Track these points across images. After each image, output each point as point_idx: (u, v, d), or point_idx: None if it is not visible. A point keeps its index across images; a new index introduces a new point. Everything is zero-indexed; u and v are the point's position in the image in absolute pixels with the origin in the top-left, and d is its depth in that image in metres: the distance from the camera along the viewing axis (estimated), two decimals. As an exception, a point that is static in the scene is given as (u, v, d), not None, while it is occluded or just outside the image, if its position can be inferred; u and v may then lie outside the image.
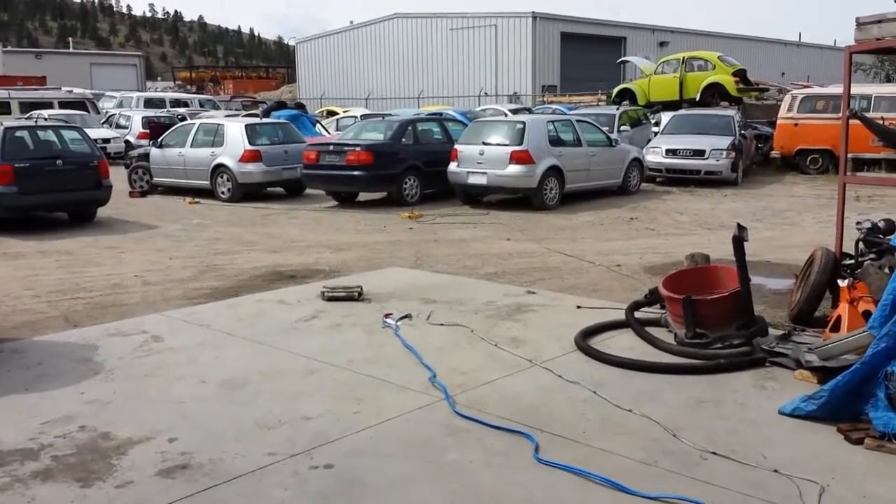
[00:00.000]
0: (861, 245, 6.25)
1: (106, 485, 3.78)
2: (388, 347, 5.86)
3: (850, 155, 6.85)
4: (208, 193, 15.80)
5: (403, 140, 14.97)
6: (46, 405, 4.77)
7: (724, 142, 17.20)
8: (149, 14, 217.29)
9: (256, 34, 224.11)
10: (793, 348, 5.39)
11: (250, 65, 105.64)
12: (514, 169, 13.65)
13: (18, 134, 12.38)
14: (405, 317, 6.57)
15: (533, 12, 39.93)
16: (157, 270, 8.95)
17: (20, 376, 5.30)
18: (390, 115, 19.95)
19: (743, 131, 18.31)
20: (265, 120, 18.48)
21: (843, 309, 5.51)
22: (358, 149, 14.39)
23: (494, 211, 13.78)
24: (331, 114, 29.34)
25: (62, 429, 4.41)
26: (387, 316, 6.57)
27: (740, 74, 22.99)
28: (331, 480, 3.82)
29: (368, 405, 4.73)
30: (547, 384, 5.07)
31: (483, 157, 13.92)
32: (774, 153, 19.83)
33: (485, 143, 14.14)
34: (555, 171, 13.98)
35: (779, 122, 19.62)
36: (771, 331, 5.80)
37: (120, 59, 66.71)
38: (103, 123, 25.97)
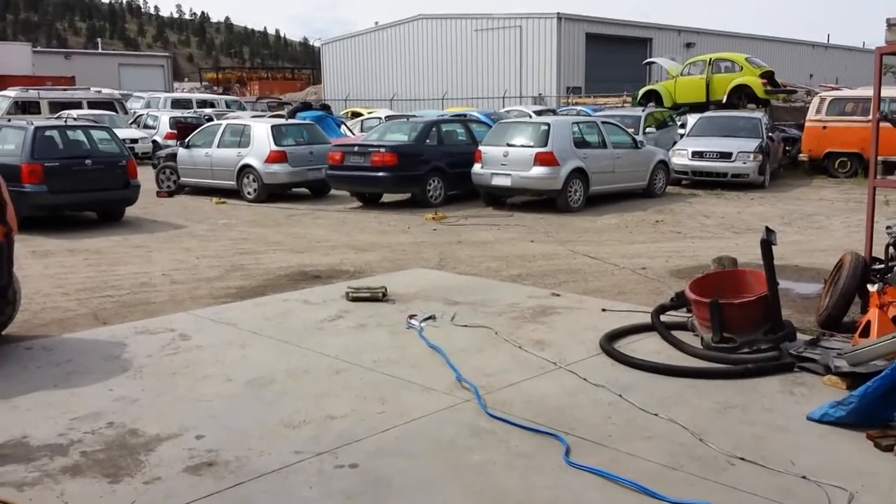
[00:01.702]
0: (891, 249, 6.18)
1: (134, 480, 3.82)
2: (412, 348, 5.87)
3: (880, 158, 6.77)
4: (234, 194, 15.92)
5: (427, 141, 15.00)
6: (76, 401, 4.83)
7: (752, 144, 17.04)
8: (176, 15, 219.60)
9: (282, 35, 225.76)
10: (821, 353, 5.33)
11: (276, 66, 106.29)
12: (538, 171, 13.62)
13: (48, 134, 12.54)
14: (429, 318, 6.58)
15: (558, 13, 39.81)
16: (184, 269, 9.03)
17: (50, 373, 5.37)
18: (414, 116, 19.99)
19: (770, 134, 18.13)
20: (291, 121, 18.60)
21: (873, 314, 5.44)
22: (382, 150, 14.43)
23: (518, 213, 13.76)
24: (355, 115, 29.46)
25: (91, 425, 4.47)
26: (411, 317, 6.58)
27: (768, 76, 22.76)
28: (356, 480, 3.83)
29: (393, 405, 4.74)
30: (572, 387, 5.05)
31: (507, 159, 13.90)
32: (802, 156, 19.63)
33: (509, 145, 14.13)
34: (579, 173, 13.93)
35: (807, 124, 19.40)
36: (799, 336, 5.74)
37: (148, 60, 67.38)
38: (131, 124, 26.26)
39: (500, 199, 14.70)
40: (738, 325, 5.62)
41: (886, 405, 4.27)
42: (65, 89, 29.34)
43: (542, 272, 8.81)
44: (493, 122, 17.55)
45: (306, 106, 25.53)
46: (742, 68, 22.95)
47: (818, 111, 19.08)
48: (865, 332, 5.40)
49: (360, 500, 3.66)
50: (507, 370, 5.35)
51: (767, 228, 5.74)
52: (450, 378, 5.19)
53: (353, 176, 14.77)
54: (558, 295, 7.52)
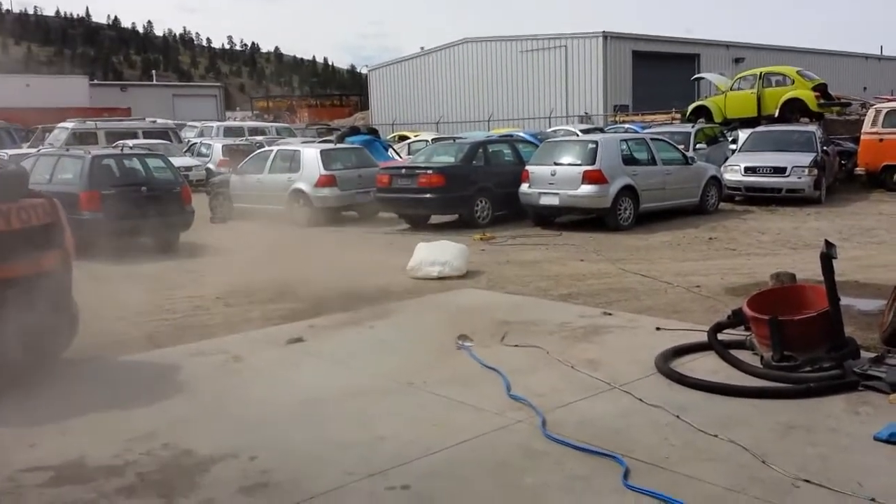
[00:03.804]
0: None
1: (189, 501, 3.84)
2: (462, 368, 5.82)
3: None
4: (285, 218, 16.09)
5: (474, 162, 15.01)
6: (131, 423, 4.88)
7: (806, 158, 16.67)
8: (227, 46, 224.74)
9: (330, 63, 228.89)
10: (887, 371, 5.14)
11: (324, 93, 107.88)
12: (586, 189, 13.51)
13: (105, 162, 12.86)
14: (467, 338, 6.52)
15: (604, 32, 39.65)
16: (237, 293, 9.13)
17: (106, 394, 5.45)
18: (461, 137, 20.04)
19: (825, 147, 17.73)
20: (340, 145, 18.79)
21: (942, 330, 5.23)
22: (430, 172, 14.48)
23: (567, 232, 13.65)
24: (402, 138, 29.66)
25: (146, 446, 4.51)
26: (460, 338, 6.53)
27: (821, 89, 22.30)
28: (407, 501, 3.79)
29: (444, 426, 4.69)
30: (627, 408, 4.94)
31: (555, 178, 13.83)
32: (859, 170, 19.15)
33: (556, 164, 14.06)
34: (629, 191, 13.78)
35: (863, 137, 18.92)
36: (863, 353, 5.54)
37: (200, 91, 68.90)
38: (185, 152, 26.81)
39: (548, 218, 14.60)
40: (798, 343, 5.45)
41: (960, 424, 4.09)
42: (121, 120, 30.16)
43: (593, 291, 8.70)
44: (540, 142, 17.49)
45: (354, 130, 25.77)
46: (794, 82, 22.54)
47: (874, 123, 18.62)
48: (934, 349, 5.19)
49: (413, 522, 3.62)
50: (559, 390, 5.26)
51: (827, 242, 5.57)
52: (502, 399, 5.12)
53: (401, 198, 14.84)
54: (610, 314, 7.40)
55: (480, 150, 15.32)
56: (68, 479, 4.11)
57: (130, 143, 21.94)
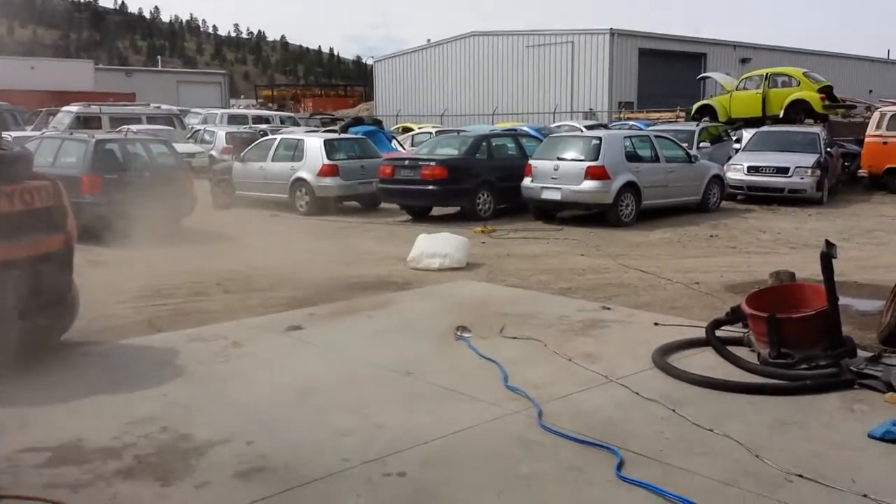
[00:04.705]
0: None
1: (185, 484, 3.86)
2: (460, 359, 5.84)
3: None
4: (287, 207, 16.12)
5: (477, 155, 15.02)
6: (130, 406, 4.90)
7: (809, 159, 16.67)
8: (233, 34, 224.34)
9: (336, 54, 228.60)
10: (883, 370, 5.15)
11: (329, 83, 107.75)
12: (589, 184, 13.52)
13: (108, 147, 12.87)
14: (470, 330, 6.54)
15: (611, 29, 39.61)
16: (237, 280, 9.15)
17: (105, 378, 5.47)
18: (464, 131, 20.04)
19: (829, 149, 17.72)
20: (343, 135, 18.80)
21: (939, 331, 5.25)
22: (433, 164, 14.49)
23: (568, 227, 13.66)
24: (406, 130, 29.64)
25: (144, 429, 4.53)
26: (459, 329, 6.55)
27: (826, 91, 22.30)
28: (404, 489, 3.82)
29: (442, 415, 4.72)
30: (623, 401, 4.96)
31: (558, 173, 13.83)
32: (862, 172, 19.12)
33: (560, 159, 14.06)
34: (631, 187, 13.78)
35: (867, 139, 18.91)
36: (859, 352, 5.56)
37: (205, 78, 68.75)
38: (188, 139, 26.80)
39: (549, 213, 14.61)
40: (796, 341, 5.47)
41: (954, 424, 4.11)
42: (125, 105, 30.12)
43: (592, 286, 8.71)
44: (544, 137, 17.49)
45: (358, 121, 25.74)
46: (800, 83, 22.54)
47: (878, 126, 18.61)
48: (931, 350, 5.21)
49: (408, 508, 3.64)
50: (556, 382, 5.28)
51: (828, 242, 5.58)
52: (499, 390, 5.15)
53: (404, 189, 14.86)
54: (609, 308, 7.42)
55: (484, 144, 15.33)
56: (65, 460, 4.14)
57: (134, 128, 21.94)
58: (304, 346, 6.23)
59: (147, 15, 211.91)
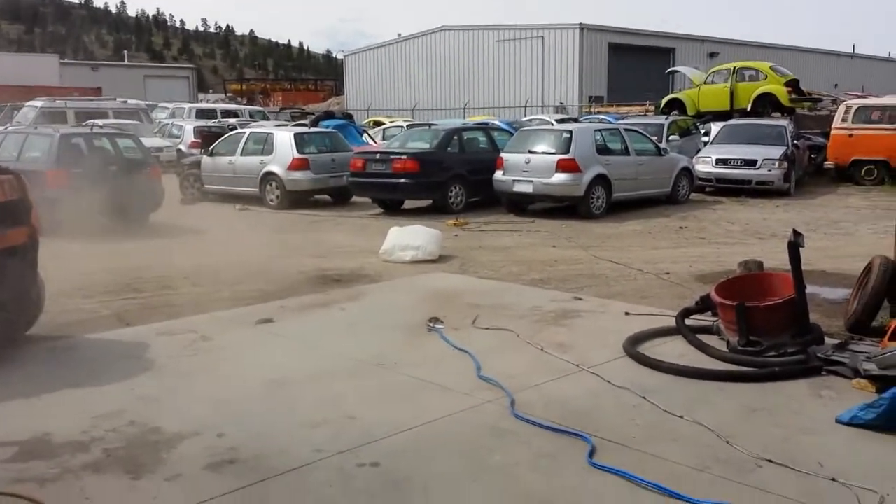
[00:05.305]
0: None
1: (155, 477, 3.81)
2: (433, 350, 5.84)
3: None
4: (257, 201, 15.99)
5: (449, 149, 15.00)
6: (98, 400, 4.84)
7: (777, 152, 16.87)
8: (201, 28, 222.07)
9: (306, 48, 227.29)
10: (850, 357, 5.23)
11: (299, 77, 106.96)
12: (560, 177, 13.57)
13: (74, 141, 12.67)
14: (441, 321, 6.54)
15: (580, 23, 39.73)
16: (206, 273, 9.06)
17: (73, 372, 5.39)
18: (436, 124, 20.00)
19: (796, 141, 17.95)
20: (313, 129, 18.68)
21: (904, 317, 5.33)
22: (404, 157, 14.45)
23: (540, 219, 13.70)
24: (377, 124, 29.52)
25: (113, 423, 4.47)
26: (431, 320, 6.54)
27: (793, 84, 22.59)
28: (377, 479, 3.80)
29: (414, 406, 4.70)
30: (595, 389, 4.99)
31: (529, 166, 13.86)
32: (828, 164, 19.39)
33: (531, 152, 14.09)
34: (602, 180, 13.85)
35: (833, 132, 19.18)
36: (827, 340, 5.64)
37: (173, 72, 67.97)
38: (156, 133, 26.48)
39: (521, 205, 14.63)
40: (764, 329, 5.54)
41: (918, 408, 4.18)
42: (91, 99, 29.67)
43: (564, 277, 8.75)
44: (515, 130, 17.51)
45: (329, 115, 25.65)
46: (767, 77, 22.81)
47: (844, 119, 18.87)
48: (895, 336, 5.29)
49: (382, 498, 3.63)
50: (529, 372, 5.29)
51: (795, 231, 5.65)
52: (471, 379, 5.15)
53: (375, 183, 14.80)
54: (580, 299, 7.45)
55: (455, 137, 15.31)
56: (33, 454, 4.07)
57: (100, 122, 21.60)
58: (274, 339, 6.18)
59: (113, 9, 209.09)
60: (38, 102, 25.68)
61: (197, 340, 6.14)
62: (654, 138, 16.66)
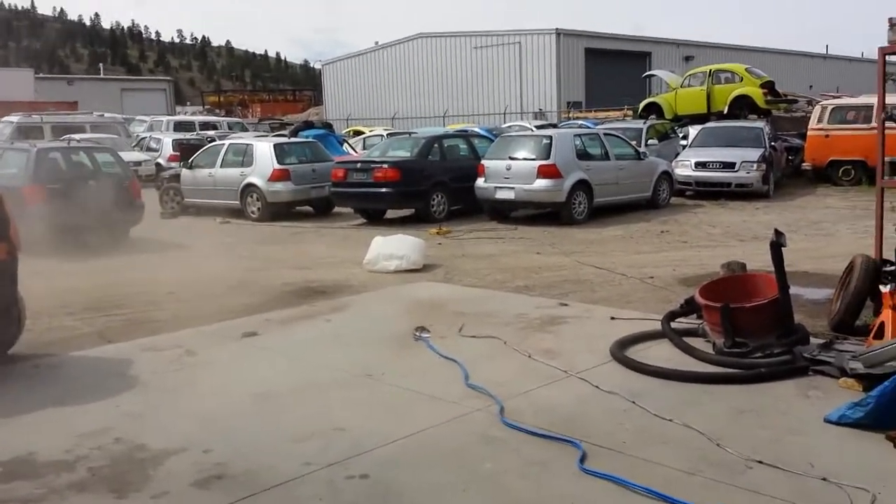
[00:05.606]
0: (902, 251, 6.11)
1: (141, 495, 3.76)
2: (420, 360, 5.81)
3: (887, 159, 6.71)
4: (238, 213, 15.91)
5: (430, 157, 14.99)
6: (82, 418, 4.77)
7: (755, 154, 17.00)
8: (177, 40, 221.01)
9: (283, 58, 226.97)
10: (836, 356, 5.25)
11: (277, 88, 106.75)
12: (541, 183, 13.59)
13: (51, 156, 12.54)
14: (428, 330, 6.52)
15: (557, 29, 39.95)
16: (189, 288, 8.97)
17: (56, 390, 5.32)
18: (416, 133, 20.02)
19: (773, 143, 18.10)
20: (293, 139, 18.62)
21: (887, 315, 5.37)
22: (385, 166, 14.43)
23: (523, 226, 13.71)
24: (357, 133, 29.50)
25: (98, 441, 4.41)
26: (418, 329, 6.52)
27: (768, 86, 22.78)
28: (367, 490, 3.77)
29: (403, 416, 4.68)
30: (583, 395, 4.98)
31: (510, 172, 13.88)
32: (806, 165, 19.56)
33: (512, 158, 14.11)
34: (583, 185, 13.90)
35: (809, 133, 19.35)
36: (812, 339, 5.67)
37: (149, 85, 67.60)
38: (134, 147, 26.29)
39: (503, 212, 14.65)
40: (750, 330, 5.56)
41: (905, 405, 4.20)
42: (67, 114, 29.40)
43: (549, 283, 8.75)
44: (495, 137, 17.54)
45: (308, 125, 25.60)
46: (742, 79, 23.00)
47: (820, 120, 19.05)
48: (879, 334, 5.33)
49: (372, 510, 3.60)
50: (517, 379, 5.28)
51: (777, 231, 5.69)
52: (460, 388, 5.13)
53: (357, 192, 14.77)
54: (566, 305, 7.46)
55: (436, 145, 15.31)
56: (17, 474, 4.00)
57: (77, 137, 21.41)
58: (260, 353, 6.14)
59: (87, 22, 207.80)
60: (14, 118, 25.40)
61: (182, 355, 6.08)
62: (633, 143, 16.74)
